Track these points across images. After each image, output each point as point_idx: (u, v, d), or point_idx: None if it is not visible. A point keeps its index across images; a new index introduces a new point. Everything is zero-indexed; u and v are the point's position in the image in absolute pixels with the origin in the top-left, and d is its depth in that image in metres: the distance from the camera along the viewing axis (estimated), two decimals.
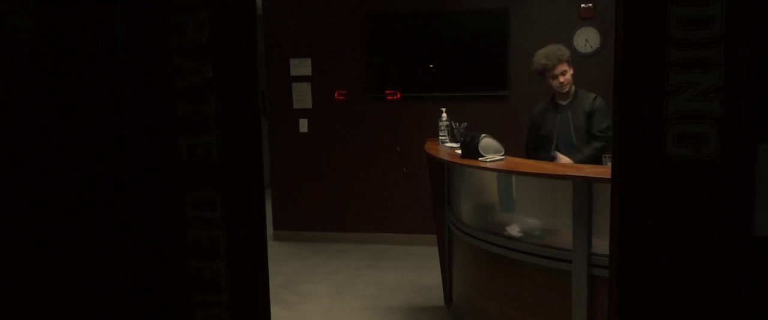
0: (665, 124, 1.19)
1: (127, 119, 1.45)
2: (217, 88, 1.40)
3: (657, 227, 1.24)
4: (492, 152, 3.79)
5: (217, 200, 1.45)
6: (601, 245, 3.05)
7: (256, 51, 1.43)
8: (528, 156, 4.42)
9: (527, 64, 6.09)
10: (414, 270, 5.67)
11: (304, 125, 6.69)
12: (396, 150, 6.45)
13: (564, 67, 4.32)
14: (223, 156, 1.42)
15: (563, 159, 4.21)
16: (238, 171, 1.44)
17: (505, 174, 3.79)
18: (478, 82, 6.28)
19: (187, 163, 1.45)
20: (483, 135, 3.86)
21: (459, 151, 4.07)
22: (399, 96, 6.41)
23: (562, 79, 4.32)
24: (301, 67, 6.59)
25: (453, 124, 4.67)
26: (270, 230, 6.68)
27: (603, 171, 3.21)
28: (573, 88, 4.39)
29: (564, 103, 4.39)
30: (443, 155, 4.29)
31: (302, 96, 6.65)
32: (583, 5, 5.97)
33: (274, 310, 4.50)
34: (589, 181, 3.17)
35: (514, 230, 3.75)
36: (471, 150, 3.84)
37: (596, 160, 4.06)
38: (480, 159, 3.76)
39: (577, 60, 5.96)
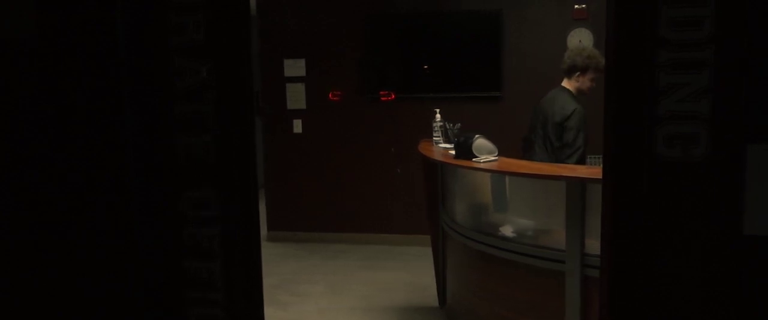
0: (656, 125, 1.21)
1: (127, 119, 1.46)
2: (214, 88, 1.41)
3: (648, 227, 1.26)
4: (485, 153, 3.81)
5: (213, 199, 1.45)
6: (595, 245, 3.07)
7: (250, 51, 1.43)
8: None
9: (521, 65, 6.16)
10: (409, 271, 5.69)
11: (298, 126, 6.70)
12: (390, 150, 6.46)
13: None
14: (220, 156, 1.43)
15: None
16: (235, 171, 1.45)
17: (498, 174, 3.81)
18: (472, 83, 6.30)
19: (184, 163, 1.45)
20: (476, 135, 3.88)
21: (453, 152, 4.09)
22: (393, 97, 6.43)
23: (594, 83, 4.36)
24: (295, 67, 6.60)
25: (447, 125, 4.69)
26: (264, 231, 6.68)
27: (596, 171, 3.23)
28: None
29: None
30: (437, 156, 4.31)
31: (296, 96, 6.66)
32: (576, 6, 6.00)
33: (269, 311, 4.49)
34: (582, 182, 3.19)
35: (507, 230, 3.77)
36: (465, 150, 3.85)
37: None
38: (473, 159, 3.78)
39: None
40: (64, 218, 1.55)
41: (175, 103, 1.43)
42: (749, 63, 1.17)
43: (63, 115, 1.51)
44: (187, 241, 1.48)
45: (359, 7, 6.33)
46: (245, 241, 1.48)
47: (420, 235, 5.67)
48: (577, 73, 4.40)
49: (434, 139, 4.81)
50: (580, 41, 6.01)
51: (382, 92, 6.41)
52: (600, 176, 1.38)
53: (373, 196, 6.58)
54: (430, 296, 4.93)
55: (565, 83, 4.49)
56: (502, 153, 3.93)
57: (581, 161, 4.17)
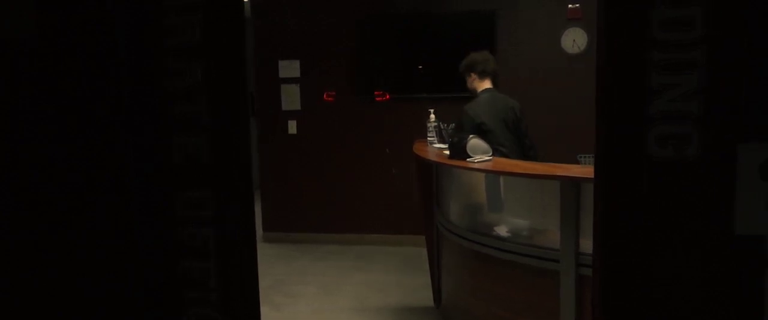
0: (648, 125, 1.22)
1: (124, 119, 1.46)
2: (209, 89, 1.41)
3: (640, 227, 1.27)
4: (480, 153, 3.82)
5: (209, 200, 1.46)
6: (589, 245, 3.06)
7: (245, 53, 1.44)
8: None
9: (515, 65, 6.17)
10: (403, 271, 5.69)
11: (293, 126, 6.70)
12: (385, 151, 6.46)
13: None
14: (215, 156, 1.44)
15: None
16: (230, 171, 1.46)
17: (492, 174, 3.82)
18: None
19: (179, 163, 1.46)
20: (471, 136, 3.89)
21: (447, 152, 4.10)
22: (388, 97, 6.43)
23: None
24: (290, 68, 6.60)
25: (441, 125, 4.70)
26: (259, 231, 6.68)
27: (590, 171, 3.23)
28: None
29: None
30: (431, 156, 4.31)
31: (291, 97, 6.66)
32: (570, 6, 6.02)
33: (264, 311, 4.47)
34: (576, 182, 3.20)
35: (502, 230, 3.78)
36: (459, 151, 3.86)
37: None
38: (468, 159, 3.79)
39: (564, 60, 6.03)
40: (62, 217, 1.55)
41: (171, 104, 1.43)
42: (740, 64, 1.18)
43: (61, 114, 1.51)
44: (184, 241, 1.48)
45: (353, 8, 6.34)
46: (241, 241, 1.49)
47: (415, 236, 5.68)
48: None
49: (429, 139, 4.82)
50: (574, 41, 6.02)
51: (376, 92, 6.42)
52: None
53: (368, 197, 6.59)
54: (425, 296, 4.93)
55: (488, 84, 4.82)
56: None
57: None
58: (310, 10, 6.43)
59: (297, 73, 6.59)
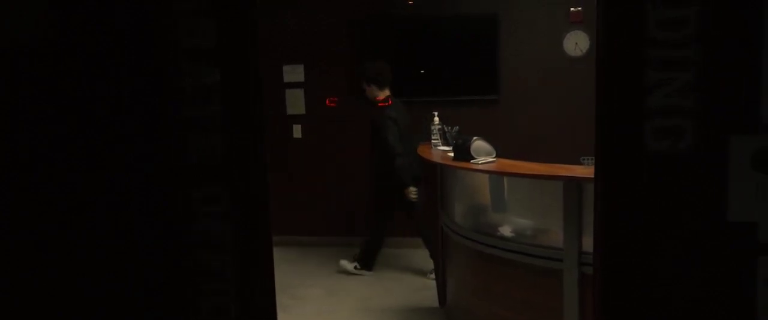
0: (644, 119, 1.27)
1: (140, 119, 1.52)
2: (222, 91, 1.47)
3: (639, 217, 1.32)
4: (483, 154, 3.88)
5: (224, 195, 1.51)
6: (592, 243, 3.13)
7: (258, 56, 1.50)
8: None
9: (518, 68, 6.22)
10: (408, 273, 5.74)
11: (297, 131, 6.75)
12: None
13: None
14: (228, 155, 1.49)
15: None
16: (245, 168, 1.52)
17: (496, 175, 3.87)
18: (469, 87, 6.36)
19: (194, 161, 1.51)
20: (474, 137, 3.94)
21: (451, 154, 4.16)
22: (390, 102, 6.49)
23: None
24: (294, 73, 6.66)
25: (445, 128, 4.76)
26: None
27: (592, 171, 3.29)
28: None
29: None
30: (436, 158, 4.37)
31: (295, 102, 6.72)
32: (572, 9, 6.07)
33: None
34: (579, 181, 3.25)
35: (506, 230, 3.83)
36: (463, 152, 3.92)
37: None
38: (472, 161, 3.84)
39: (566, 63, 6.07)
40: (79, 216, 1.60)
41: (185, 105, 1.49)
42: (732, 60, 1.23)
43: (77, 116, 1.57)
44: (200, 235, 1.54)
45: (350, 13, 6.39)
46: (256, 235, 1.55)
47: (417, 238, 5.72)
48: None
49: (433, 141, 4.88)
50: (576, 44, 6.08)
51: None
52: None
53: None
54: (430, 297, 4.98)
55: (388, 92, 5.52)
56: (500, 155, 3.99)
57: None
58: (313, 15, 6.49)
59: (301, 78, 6.64)
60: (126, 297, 1.61)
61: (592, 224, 1.60)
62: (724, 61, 1.23)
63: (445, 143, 4.69)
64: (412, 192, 5.18)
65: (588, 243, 3.21)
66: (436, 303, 4.90)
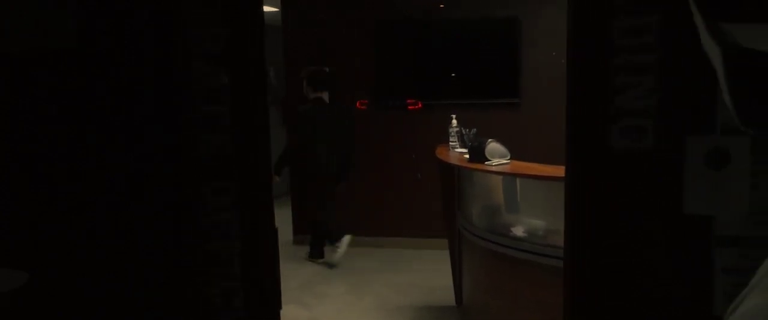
0: (611, 120, 1.37)
1: (157, 119, 1.66)
2: (232, 92, 1.60)
3: (604, 209, 1.42)
4: (498, 156, 3.97)
5: (230, 189, 1.65)
6: None
7: (263, 60, 1.63)
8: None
9: (539, 71, 6.28)
10: (426, 273, 5.83)
11: None
12: (411, 157, 6.61)
13: None
14: (237, 150, 1.63)
15: None
16: (251, 163, 1.65)
17: (509, 177, 3.96)
18: (491, 90, 6.43)
19: (205, 156, 1.65)
20: (489, 140, 4.04)
21: (467, 156, 4.25)
22: (420, 105, 6.62)
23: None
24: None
25: (463, 130, 4.85)
26: (290, 235, 6.88)
27: None
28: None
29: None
30: (453, 159, 4.47)
31: None
32: None
33: (293, 310, 4.70)
34: None
35: (519, 230, 3.91)
36: (478, 154, 4.02)
37: None
38: (486, 163, 3.94)
39: None
40: (105, 207, 1.76)
41: (197, 105, 1.63)
42: (689, 66, 1.32)
43: (99, 117, 1.72)
44: (210, 224, 1.68)
45: (373, 17, 6.50)
46: (261, 224, 1.68)
47: (438, 239, 5.81)
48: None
49: (451, 144, 4.97)
50: None
51: (409, 100, 6.59)
52: None
53: (391, 201, 6.74)
54: (446, 296, 5.07)
55: (319, 94, 6.03)
56: (521, 157, 4.08)
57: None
58: (336, 19, 6.63)
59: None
60: (141, 280, 1.76)
61: None
62: (683, 67, 1.32)
63: (463, 145, 4.78)
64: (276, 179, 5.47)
65: None
66: (452, 303, 4.99)
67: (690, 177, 1.31)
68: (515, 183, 4.06)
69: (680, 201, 1.34)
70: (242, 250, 1.65)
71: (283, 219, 5.92)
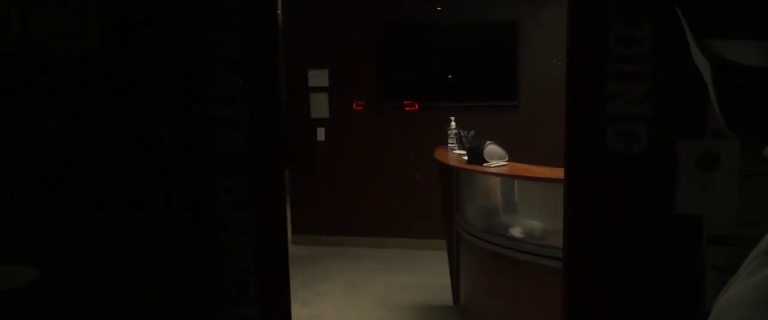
0: (606, 124, 1.45)
1: (177, 119, 1.74)
2: (247, 95, 1.68)
3: (601, 209, 1.49)
4: (496, 158, 4.05)
5: (246, 185, 1.72)
6: None
7: (277, 65, 1.71)
8: None
9: (537, 74, 6.35)
10: (424, 273, 5.91)
11: (321, 134, 6.95)
12: (409, 158, 6.69)
13: None
14: (252, 149, 1.70)
15: None
16: (265, 162, 1.72)
17: (507, 178, 4.03)
18: (489, 92, 6.50)
19: (221, 155, 1.73)
20: (488, 142, 4.12)
21: (466, 157, 4.33)
22: (417, 107, 6.67)
23: None
24: (319, 78, 6.86)
25: (461, 132, 4.93)
26: (289, 234, 6.95)
27: None
28: None
29: None
30: (451, 161, 4.55)
31: (320, 106, 6.92)
32: None
33: (294, 307, 4.75)
34: None
35: (516, 231, 3.99)
36: (476, 156, 4.10)
37: None
38: (484, 164, 4.02)
39: None
40: (127, 204, 1.83)
41: (214, 106, 1.70)
42: (680, 74, 1.40)
43: (123, 117, 1.80)
44: (225, 219, 1.75)
45: (373, 20, 6.58)
46: (273, 219, 1.75)
47: (436, 240, 5.88)
48: None
49: (449, 145, 5.05)
50: None
51: (406, 102, 6.65)
52: None
53: (390, 202, 6.81)
54: (445, 296, 5.14)
55: None
56: (518, 159, 4.16)
57: None
58: (338, 22, 6.70)
59: (325, 82, 6.85)
60: (161, 272, 1.83)
61: None
62: (674, 74, 1.40)
63: (462, 147, 4.85)
64: None
65: None
66: (450, 302, 5.06)
67: (682, 178, 1.39)
68: (513, 184, 4.14)
69: (673, 202, 1.42)
70: (255, 244, 1.73)
71: None
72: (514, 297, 3.94)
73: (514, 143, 4.34)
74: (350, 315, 5.00)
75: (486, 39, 6.43)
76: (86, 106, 1.84)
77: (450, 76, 6.58)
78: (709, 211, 1.35)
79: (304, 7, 6.75)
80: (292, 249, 6.79)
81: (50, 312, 2.07)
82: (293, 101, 6.57)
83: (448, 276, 5.10)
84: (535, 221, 3.99)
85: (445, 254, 5.22)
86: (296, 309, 5.03)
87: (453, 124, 5.00)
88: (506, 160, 4.10)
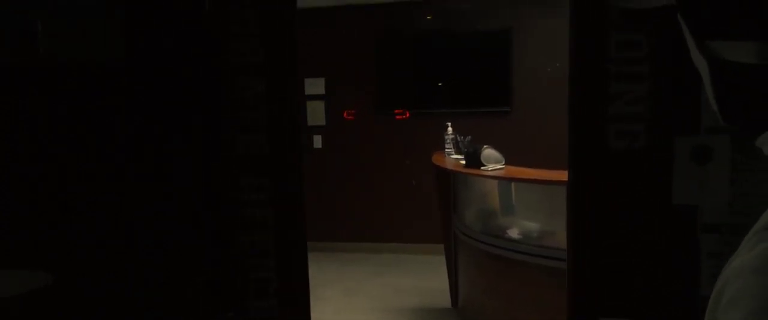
0: (608, 123, 1.56)
1: (201, 123, 1.83)
2: (268, 99, 1.77)
3: (602, 203, 1.59)
4: (493, 162, 4.15)
5: (266, 186, 1.81)
6: None
7: (296, 70, 1.80)
8: None
9: (529, 81, 6.48)
10: (422, 276, 5.99)
11: (318, 141, 7.04)
12: (405, 163, 6.78)
13: None
14: (271, 150, 1.80)
15: None
16: (285, 162, 1.81)
17: (504, 181, 4.13)
18: (483, 99, 6.62)
19: (243, 155, 1.82)
20: (485, 146, 4.22)
21: (463, 162, 4.43)
22: (408, 115, 6.76)
23: None
24: (316, 86, 6.95)
25: (458, 137, 5.03)
26: None
27: None
28: None
29: None
30: (449, 165, 4.64)
31: (316, 113, 7.01)
32: None
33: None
34: None
35: (514, 233, 4.08)
36: (474, 160, 4.20)
37: None
38: (482, 168, 4.11)
39: None
40: (156, 202, 1.92)
41: (238, 109, 1.80)
42: (675, 75, 1.51)
43: (147, 123, 1.88)
44: (247, 217, 1.84)
45: (369, 28, 6.68)
46: (293, 217, 1.84)
47: (433, 244, 5.96)
48: None
49: (446, 150, 5.14)
50: None
51: (396, 110, 6.75)
52: None
53: (387, 207, 6.89)
54: (443, 298, 5.22)
55: None
56: (512, 163, 4.26)
57: None
58: (333, 30, 6.80)
59: (322, 91, 6.94)
60: (185, 267, 1.92)
61: None
62: (671, 76, 1.51)
63: (458, 152, 4.95)
64: None
65: None
66: (448, 304, 5.14)
67: (678, 172, 1.49)
68: (510, 187, 4.24)
69: (670, 193, 1.52)
70: (276, 242, 1.81)
71: None
72: (512, 297, 4.03)
73: (507, 147, 4.44)
74: (349, 318, 5.08)
75: (480, 47, 6.54)
76: (111, 114, 1.93)
77: (445, 84, 6.68)
78: (703, 201, 1.45)
79: (300, 17, 6.83)
80: None
81: (67, 316, 2.15)
82: None
83: (446, 279, 5.18)
84: (532, 222, 4.08)
85: (441, 258, 5.31)
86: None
87: (450, 129, 5.10)
88: (503, 163, 4.20)
